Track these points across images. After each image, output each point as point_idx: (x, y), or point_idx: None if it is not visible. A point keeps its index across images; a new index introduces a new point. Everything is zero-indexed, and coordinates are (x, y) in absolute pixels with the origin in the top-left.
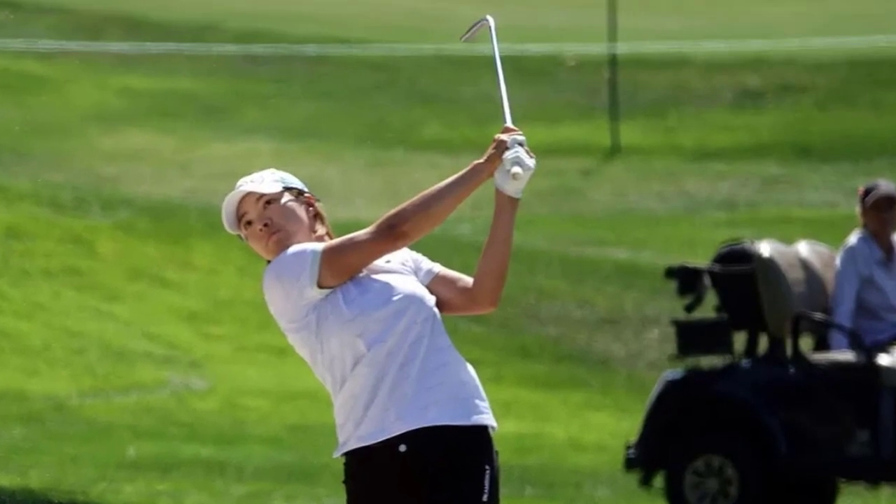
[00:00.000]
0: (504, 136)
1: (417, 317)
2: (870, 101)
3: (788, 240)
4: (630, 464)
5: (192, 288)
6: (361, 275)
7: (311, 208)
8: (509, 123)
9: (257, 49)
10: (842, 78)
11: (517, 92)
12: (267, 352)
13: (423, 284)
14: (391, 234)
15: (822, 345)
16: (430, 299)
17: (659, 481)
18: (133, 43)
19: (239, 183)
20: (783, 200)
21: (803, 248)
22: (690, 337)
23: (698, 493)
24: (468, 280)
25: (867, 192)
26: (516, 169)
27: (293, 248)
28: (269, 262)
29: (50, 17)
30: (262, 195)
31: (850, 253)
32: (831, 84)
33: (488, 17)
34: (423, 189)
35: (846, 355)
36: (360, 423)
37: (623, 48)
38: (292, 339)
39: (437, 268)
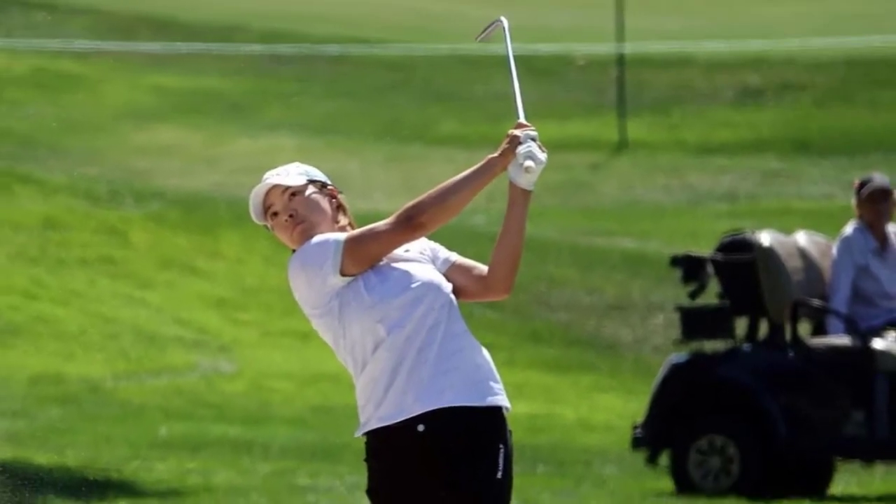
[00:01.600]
0: (517, 132)
1: (435, 303)
2: (867, 99)
3: (787, 230)
4: (637, 443)
5: (220, 276)
6: (382, 263)
7: (333, 200)
8: (522, 119)
9: (281, 49)
10: (840, 77)
11: (528, 90)
12: (291, 337)
13: (440, 272)
14: (409, 224)
15: (819, 330)
16: (447, 287)
17: (664, 460)
18: (164, 43)
19: (265, 176)
20: (783, 193)
21: (802, 238)
22: (694, 323)
23: (702, 471)
24: (483, 268)
25: (862, 184)
26: (529, 163)
27: (317, 238)
28: (293, 251)
29: (84, 18)
30: (287, 187)
31: (847, 243)
32: (830, 83)
33: (502, 18)
34: (440, 182)
35: (842, 340)
36: (380, 405)
37: (630, 48)
38: (316, 325)
39: (454, 257)
